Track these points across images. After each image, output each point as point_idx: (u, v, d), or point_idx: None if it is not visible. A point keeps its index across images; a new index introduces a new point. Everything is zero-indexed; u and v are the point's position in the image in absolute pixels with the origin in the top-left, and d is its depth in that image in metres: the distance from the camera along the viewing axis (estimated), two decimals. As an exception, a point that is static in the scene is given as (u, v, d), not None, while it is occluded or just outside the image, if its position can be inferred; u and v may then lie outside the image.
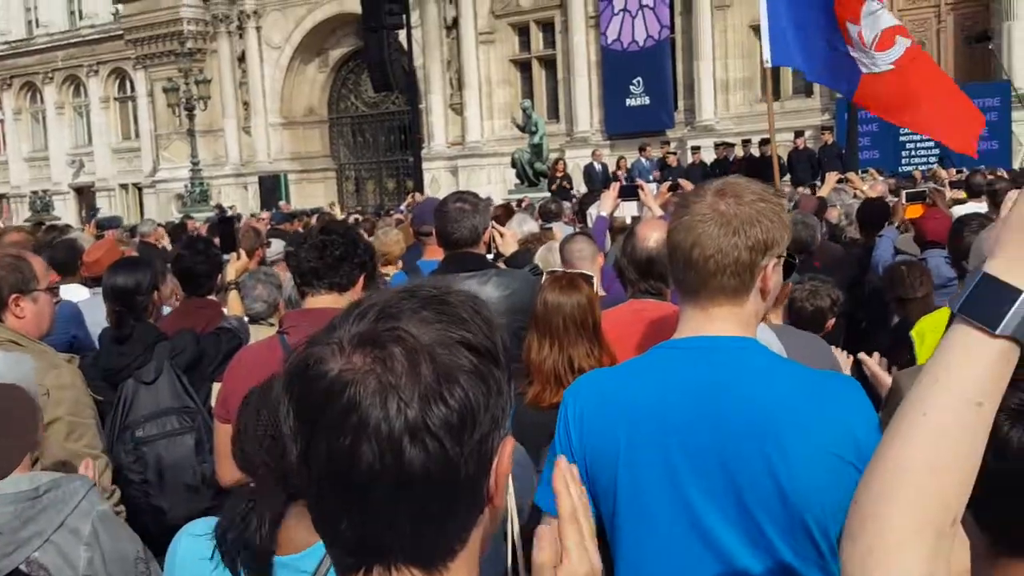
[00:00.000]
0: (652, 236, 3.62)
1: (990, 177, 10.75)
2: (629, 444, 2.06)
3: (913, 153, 20.82)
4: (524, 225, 7.65)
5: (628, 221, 9.16)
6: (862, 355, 3.29)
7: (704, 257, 1.98)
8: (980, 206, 8.97)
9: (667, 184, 7.61)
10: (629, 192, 6.58)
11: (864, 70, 7.84)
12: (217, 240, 5.74)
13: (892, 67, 7.90)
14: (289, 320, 3.38)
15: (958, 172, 15.11)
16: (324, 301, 3.29)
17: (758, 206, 2.00)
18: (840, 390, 2.00)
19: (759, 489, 1.94)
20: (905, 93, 7.95)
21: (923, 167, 19.39)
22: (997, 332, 1.03)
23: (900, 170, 19.28)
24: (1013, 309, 1.03)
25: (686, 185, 7.77)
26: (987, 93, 20.16)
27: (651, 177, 19.45)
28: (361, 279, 3.38)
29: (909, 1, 23.95)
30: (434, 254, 5.00)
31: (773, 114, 8.43)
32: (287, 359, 1.04)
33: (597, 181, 21.85)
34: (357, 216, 15.90)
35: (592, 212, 7.57)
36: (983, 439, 1.06)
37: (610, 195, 6.25)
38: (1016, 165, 18.38)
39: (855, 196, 10.58)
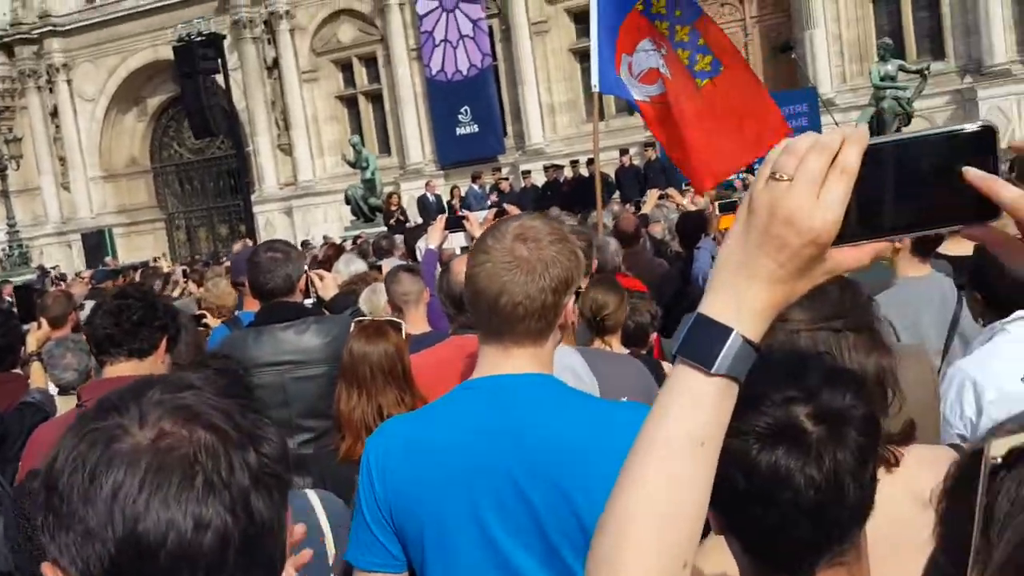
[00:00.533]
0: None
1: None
2: (432, 488, 2.06)
3: (733, 161, 21.65)
4: (351, 265, 7.55)
5: (457, 252, 9.15)
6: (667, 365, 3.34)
7: (512, 304, 2.01)
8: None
9: (492, 211, 7.65)
10: (455, 224, 6.57)
11: (636, 96, 8.26)
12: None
13: (648, 100, 8.35)
14: (87, 392, 3.23)
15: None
16: (123, 369, 3.16)
17: (556, 247, 2.05)
18: (630, 419, 2.03)
19: (562, 525, 1.95)
20: (671, 120, 8.39)
21: (741, 177, 20.20)
22: (713, 371, 1.06)
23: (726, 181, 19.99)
24: (725, 348, 1.06)
25: (512, 210, 7.81)
26: (796, 100, 21.17)
27: (488, 203, 19.61)
28: (163, 343, 3.26)
29: (717, 16, 24.97)
30: (252, 305, 4.88)
31: (599, 134, 8.65)
32: None
33: (432, 212, 21.89)
34: (185, 267, 15.43)
35: (421, 246, 7.54)
36: (708, 478, 1.07)
37: (437, 227, 6.24)
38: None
39: (677, 209, 10.93)
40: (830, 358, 1.49)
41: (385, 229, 21.00)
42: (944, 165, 1.00)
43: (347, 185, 25.26)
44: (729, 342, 1.05)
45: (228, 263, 14.03)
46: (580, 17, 25.87)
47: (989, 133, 1.01)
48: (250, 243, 14.87)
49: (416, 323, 4.63)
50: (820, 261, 1.04)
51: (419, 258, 7.52)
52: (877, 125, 19.15)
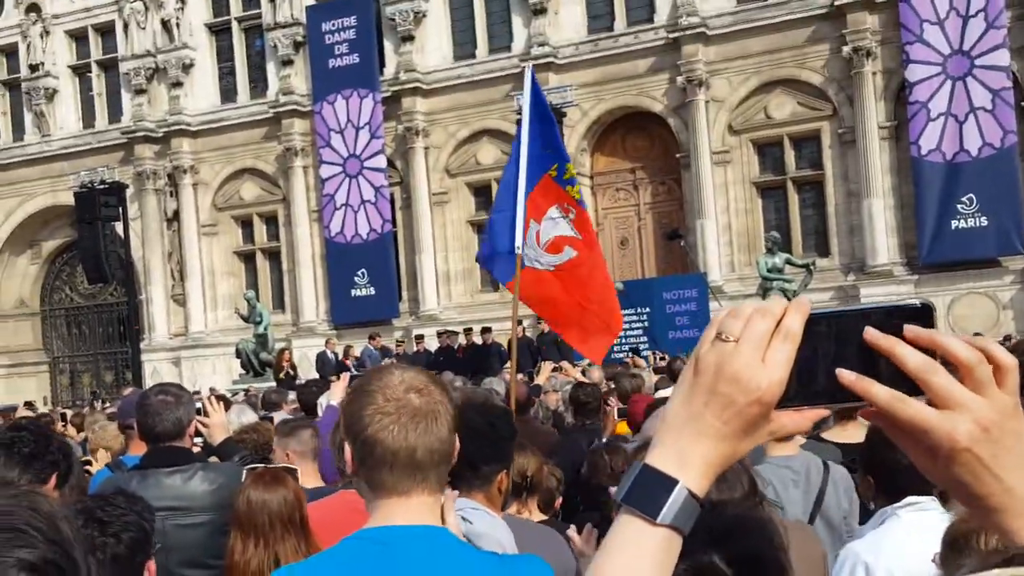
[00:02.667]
0: None
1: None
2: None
3: (624, 340, 22.13)
4: (242, 416, 7.51)
5: None
6: (570, 531, 3.35)
7: (429, 453, 2.02)
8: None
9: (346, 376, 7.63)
10: None
11: (527, 263, 8.52)
12: None
13: (552, 269, 8.68)
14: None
15: (660, 358, 16.19)
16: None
17: (439, 391, 2.10)
18: (528, 572, 2.09)
19: None
20: (555, 295, 8.73)
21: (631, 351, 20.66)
22: (658, 521, 1.08)
23: (611, 356, 20.35)
24: (671, 498, 1.08)
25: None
26: (685, 284, 21.97)
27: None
28: (53, 479, 3.15)
29: (612, 201, 26.02)
30: (139, 448, 4.75)
31: (517, 303, 8.80)
32: None
33: (330, 369, 21.74)
34: (65, 411, 14.87)
35: (323, 401, 7.54)
36: None
37: (340, 384, 6.21)
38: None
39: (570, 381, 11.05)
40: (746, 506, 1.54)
41: (274, 384, 20.72)
42: None
43: (238, 339, 24.95)
44: (674, 493, 1.08)
45: (112, 408, 13.61)
46: (479, 190, 26.77)
47: (927, 312, 1.06)
48: (136, 389, 14.47)
49: (309, 477, 4.57)
50: (765, 421, 1.07)
51: (319, 413, 7.48)
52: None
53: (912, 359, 1.03)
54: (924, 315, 1.06)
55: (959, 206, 22.10)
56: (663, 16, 24.87)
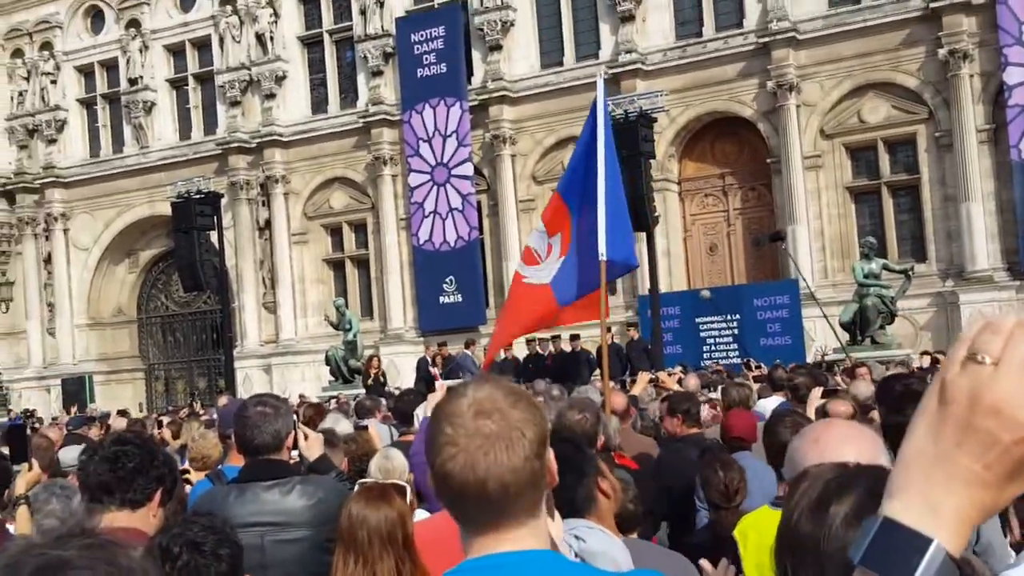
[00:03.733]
0: None
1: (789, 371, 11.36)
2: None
3: (714, 348, 21.89)
4: (338, 424, 7.45)
5: None
6: (703, 562, 3.19)
7: (502, 486, 1.84)
8: (780, 399, 9.45)
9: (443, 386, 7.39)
10: None
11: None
12: (7, 449, 5.34)
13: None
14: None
15: (756, 367, 15.93)
16: (116, 519, 3.07)
17: (520, 408, 1.88)
18: None
19: None
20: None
21: (723, 361, 20.41)
22: None
23: (703, 364, 20.16)
24: (926, 560, 0.91)
25: None
26: (777, 291, 21.66)
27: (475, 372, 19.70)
28: (158, 495, 3.19)
29: (701, 207, 25.75)
30: (238, 459, 4.79)
31: (608, 307, 8.81)
32: None
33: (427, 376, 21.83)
34: (162, 418, 15.24)
35: (419, 413, 7.39)
36: None
37: (438, 396, 6.08)
38: (809, 359, 19.53)
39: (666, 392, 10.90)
40: None
41: (363, 391, 20.93)
42: None
43: (328, 346, 25.28)
44: (929, 555, 0.90)
45: (206, 416, 13.92)
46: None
47: None
48: (232, 397, 14.77)
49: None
50: None
51: (416, 425, 7.42)
52: (860, 323, 19.44)
53: None
54: None
55: (1062, 209, 21.39)
56: (752, 21, 24.55)
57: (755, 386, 10.52)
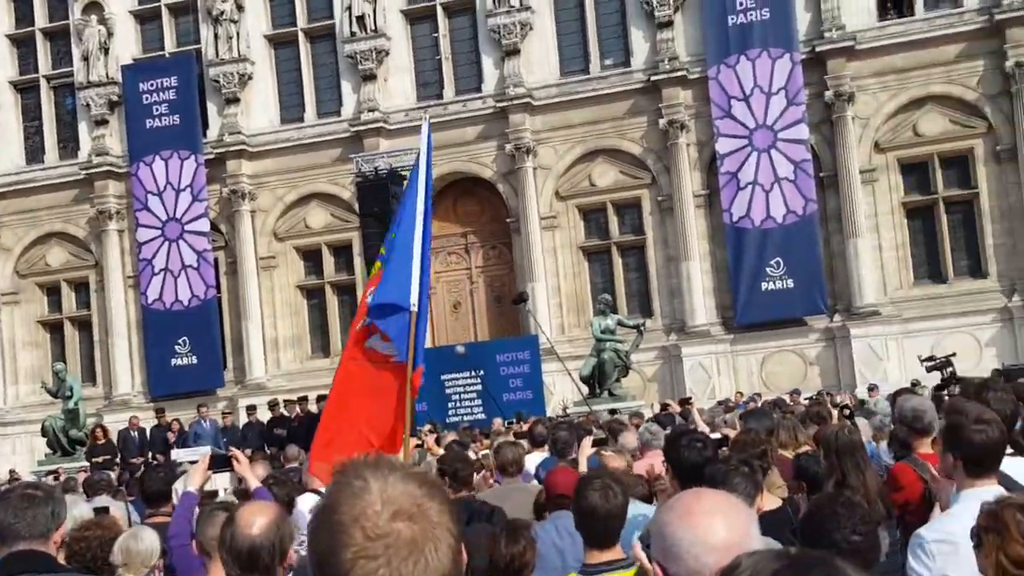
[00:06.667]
0: (257, 521, 3.26)
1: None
2: None
3: (459, 404, 22.12)
4: (75, 508, 6.54)
5: (221, 495, 8.44)
6: None
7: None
8: (544, 454, 9.65)
9: (206, 455, 6.54)
10: (221, 463, 6.10)
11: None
12: None
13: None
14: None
15: (509, 425, 16.21)
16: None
17: (436, 499, 1.59)
18: None
19: None
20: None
21: (468, 418, 20.68)
22: None
23: (447, 421, 20.33)
24: None
25: (237, 455, 6.47)
26: (519, 347, 22.24)
27: (223, 442, 18.90)
28: None
29: (444, 264, 26.13)
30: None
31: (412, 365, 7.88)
32: None
33: (134, 448, 20.72)
34: None
35: (178, 487, 6.83)
36: None
37: (200, 467, 5.56)
38: (549, 412, 20.16)
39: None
40: None
41: (87, 464, 19.58)
42: None
43: (44, 415, 23.46)
44: None
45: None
46: (309, 254, 26.40)
47: None
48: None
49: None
50: None
51: (175, 501, 6.79)
52: (599, 375, 20.34)
53: None
54: None
55: (768, 269, 23.38)
56: (491, 86, 25.40)
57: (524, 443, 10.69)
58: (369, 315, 7.38)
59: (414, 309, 7.15)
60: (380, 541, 1.48)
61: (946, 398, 9.47)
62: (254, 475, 6.10)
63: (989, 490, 3.76)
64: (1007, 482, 4.16)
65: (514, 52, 25.09)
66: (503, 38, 25.06)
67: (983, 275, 22.96)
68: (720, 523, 2.02)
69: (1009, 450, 4.41)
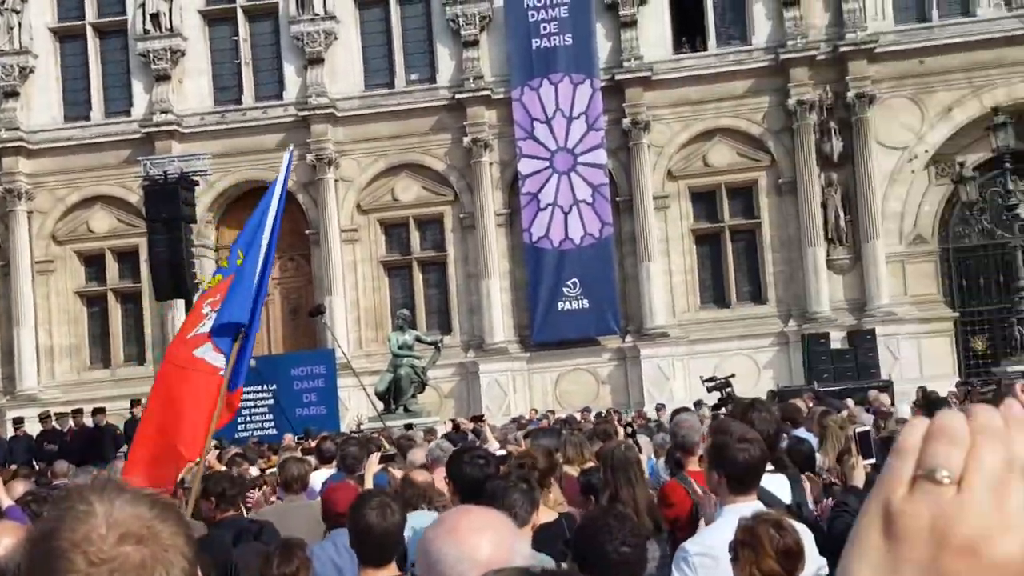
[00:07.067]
0: (1, 542, 2.89)
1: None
2: None
3: (249, 419, 21.44)
4: None
5: None
6: None
7: None
8: (332, 471, 9.45)
9: None
10: None
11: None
12: None
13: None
14: None
15: (299, 441, 15.79)
16: None
17: (168, 521, 1.47)
18: None
19: None
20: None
21: (259, 433, 20.05)
22: None
23: (236, 436, 19.65)
24: None
25: None
26: (315, 361, 21.80)
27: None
28: None
29: (237, 275, 25.31)
30: None
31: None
32: None
33: None
34: None
35: None
36: None
37: None
38: (344, 428, 19.83)
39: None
40: None
41: None
42: None
43: None
44: None
45: None
46: (90, 260, 25.11)
47: None
48: None
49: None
50: None
51: None
52: (395, 391, 20.17)
53: None
54: None
55: (565, 289, 23.91)
56: (292, 94, 24.92)
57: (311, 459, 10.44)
58: (211, 331, 7.21)
59: (244, 331, 7.04)
60: (104, 566, 1.34)
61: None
62: (9, 493, 5.72)
63: (749, 505, 3.90)
64: (767, 497, 4.36)
65: (318, 61, 24.72)
66: (307, 46, 24.64)
67: (763, 301, 24.20)
68: (487, 540, 2.06)
69: (770, 467, 4.63)
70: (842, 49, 23.26)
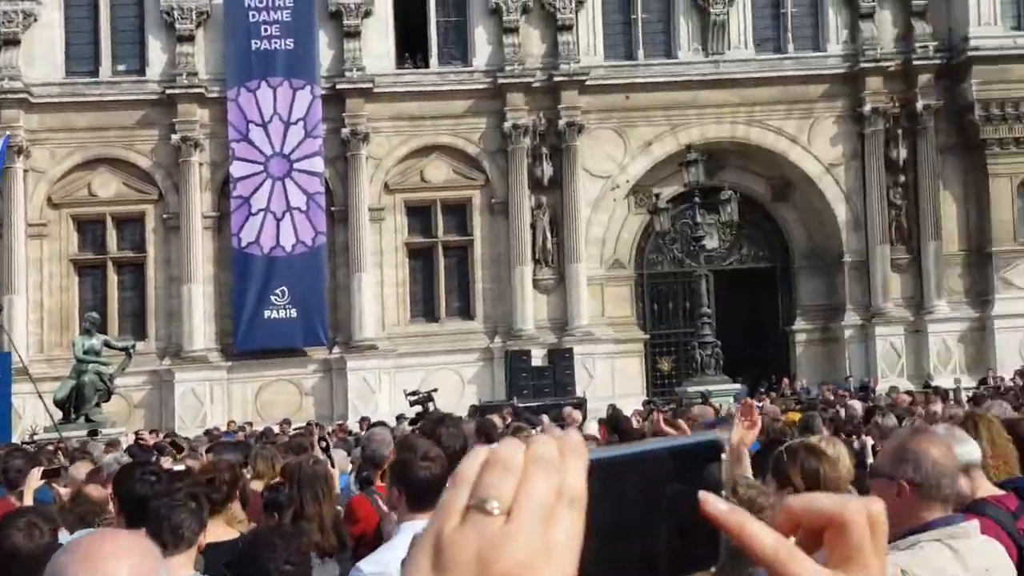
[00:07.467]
0: None
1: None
2: None
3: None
4: None
5: None
6: None
7: None
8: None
9: None
10: None
11: None
12: None
13: None
14: None
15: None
16: None
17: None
18: None
19: None
20: None
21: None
22: None
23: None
24: None
25: None
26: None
27: None
28: None
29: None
30: None
31: None
32: None
33: None
34: None
35: None
36: None
37: None
38: (16, 438, 18.24)
39: None
40: None
41: None
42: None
43: None
44: None
45: None
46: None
47: (717, 451, 0.77)
48: None
49: None
50: None
51: None
52: (76, 399, 18.82)
53: (764, 541, 0.73)
54: (714, 455, 0.77)
55: (273, 297, 23.34)
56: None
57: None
58: None
59: None
60: None
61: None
62: None
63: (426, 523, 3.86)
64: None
65: (14, 42, 22.92)
66: (2, 26, 22.78)
67: (471, 317, 24.68)
68: (125, 567, 1.93)
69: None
70: (556, 79, 24.22)
